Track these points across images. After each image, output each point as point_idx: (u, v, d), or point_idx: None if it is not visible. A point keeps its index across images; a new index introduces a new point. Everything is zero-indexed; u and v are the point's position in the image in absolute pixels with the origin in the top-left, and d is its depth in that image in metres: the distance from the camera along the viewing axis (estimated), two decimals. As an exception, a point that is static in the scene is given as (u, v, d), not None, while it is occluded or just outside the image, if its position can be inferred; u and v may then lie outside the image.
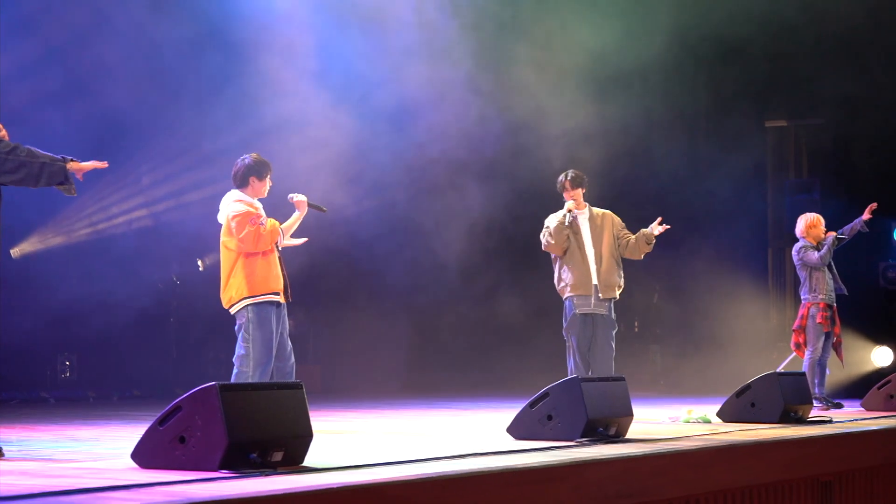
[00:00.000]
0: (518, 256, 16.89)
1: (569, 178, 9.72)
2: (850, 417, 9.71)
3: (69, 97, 12.49)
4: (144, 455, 5.26)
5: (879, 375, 13.03)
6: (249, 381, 7.84)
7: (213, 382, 5.11)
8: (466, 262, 15.67)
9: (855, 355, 14.46)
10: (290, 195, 8.25)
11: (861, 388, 12.36)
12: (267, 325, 7.98)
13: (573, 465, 5.61)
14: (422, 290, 16.21)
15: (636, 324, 17.64)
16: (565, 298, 9.64)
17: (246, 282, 7.94)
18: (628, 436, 7.21)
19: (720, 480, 6.52)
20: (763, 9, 15.47)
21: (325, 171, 14.50)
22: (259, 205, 8.14)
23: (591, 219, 9.71)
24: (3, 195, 6.02)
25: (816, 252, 11.25)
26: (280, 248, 8.20)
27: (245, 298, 7.96)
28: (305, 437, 5.46)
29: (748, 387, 8.96)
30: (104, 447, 6.77)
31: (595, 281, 9.57)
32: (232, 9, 13.04)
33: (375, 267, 15.41)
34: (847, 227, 11.50)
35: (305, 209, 8.21)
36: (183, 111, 13.54)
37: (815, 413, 9.76)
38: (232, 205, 8.02)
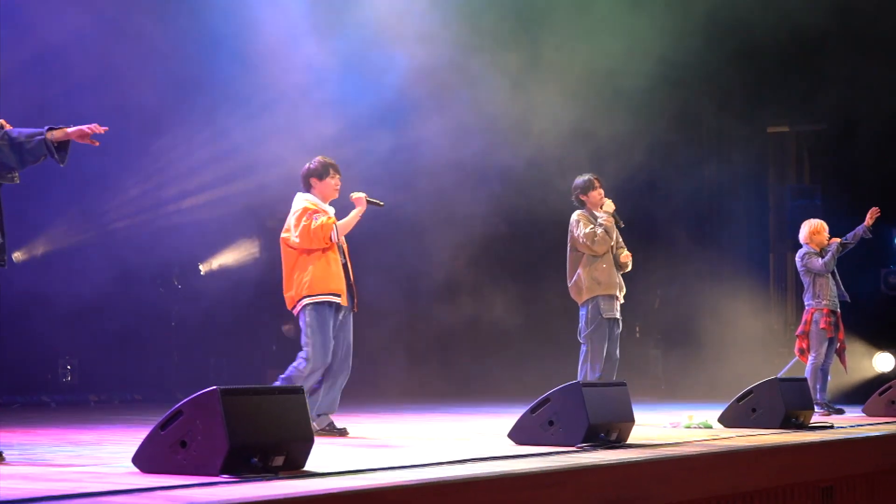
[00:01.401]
0: (513, 262, 16.87)
1: (597, 177, 9.80)
2: (852, 423, 9.71)
3: (69, 97, 12.49)
4: (145, 459, 5.26)
5: (881, 381, 13.01)
6: (304, 381, 7.88)
7: (215, 387, 5.11)
8: (464, 266, 15.67)
9: (856, 361, 14.45)
10: (351, 193, 8.24)
11: (862, 393, 12.35)
12: (326, 327, 7.97)
13: (574, 471, 5.60)
14: (421, 295, 16.20)
15: (637, 329, 17.62)
16: (589, 300, 9.61)
17: (305, 281, 7.95)
18: (629, 441, 7.20)
19: (721, 486, 6.52)
20: (764, 14, 15.46)
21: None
22: (326, 207, 8.17)
23: (608, 224, 9.78)
24: (3, 196, 6.00)
25: (820, 259, 11.26)
26: (346, 255, 8.20)
27: (304, 298, 7.97)
28: (307, 441, 5.46)
29: (749, 392, 8.96)
30: (105, 451, 6.77)
31: (619, 280, 9.68)
32: (223, 11, 13.04)
33: (373, 273, 15.41)
34: (850, 234, 11.50)
35: (364, 206, 8.20)
36: (185, 114, 13.54)
37: (816, 419, 9.76)
38: (296, 203, 8.12)
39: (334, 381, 8.16)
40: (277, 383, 7.91)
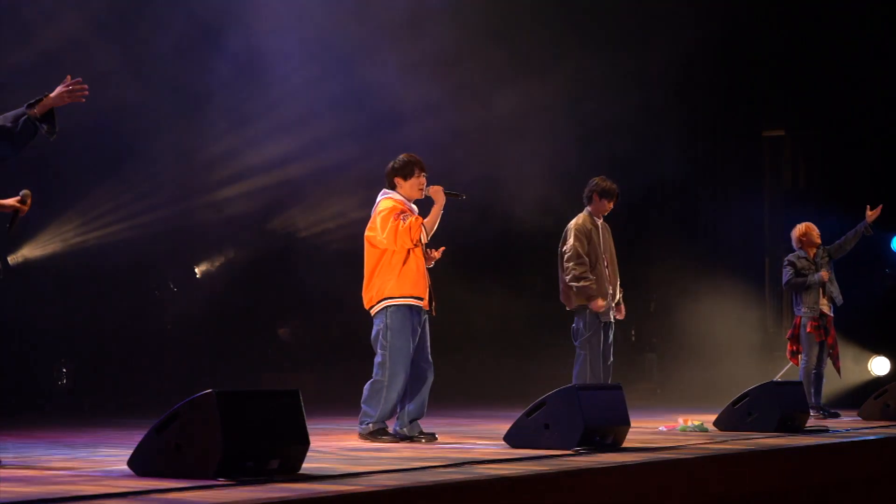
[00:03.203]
0: (501, 266, 16.84)
1: (618, 192, 9.78)
2: (847, 427, 9.71)
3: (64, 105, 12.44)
4: (141, 462, 5.26)
5: (877, 385, 13.02)
6: (384, 391, 7.74)
7: (210, 390, 5.11)
8: (463, 268, 15.66)
9: (852, 365, 14.45)
10: (428, 187, 7.95)
11: (858, 397, 12.36)
12: (405, 331, 7.76)
13: (570, 474, 5.61)
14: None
15: (633, 332, 17.63)
16: (585, 307, 9.60)
17: (388, 282, 7.76)
18: (625, 445, 7.20)
19: (717, 490, 6.53)
20: (761, 19, 15.48)
21: (314, 181, 14.53)
22: (411, 206, 7.95)
23: (603, 228, 9.76)
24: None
25: (791, 274, 11.36)
26: (428, 257, 7.95)
27: (385, 300, 7.77)
28: (302, 445, 5.45)
29: (745, 396, 8.97)
30: (101, 454, 6.76)
31: (610, 290, 9.63)
32: (220, 15, 13.04)
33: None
34: (851, 232, 11.51)
35: (443, 199, 7.87)
36: (179, 116, 13.53)
37: (811, 422, 9.76)
38: (381, 201, 7.89)
39: (421, 385, 7.91)
40: (368, 413, 7.78)
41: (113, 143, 12.98)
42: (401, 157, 7.99)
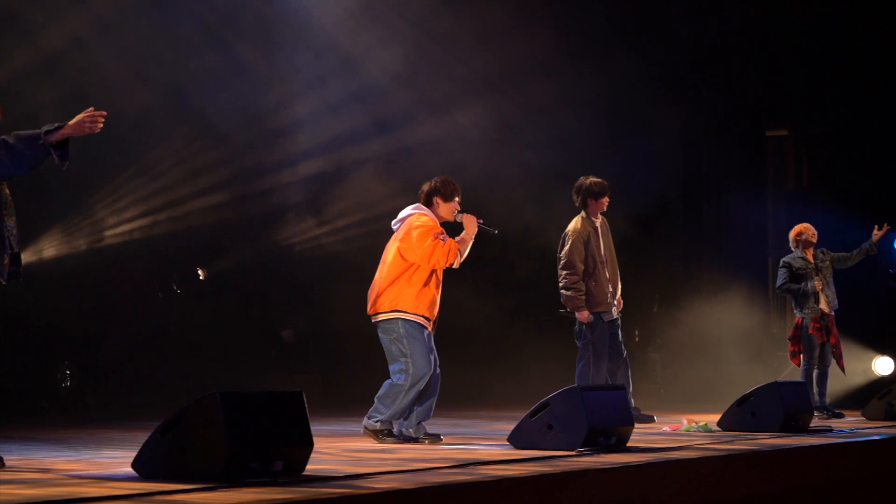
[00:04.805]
0: (509, 272, 16.82)
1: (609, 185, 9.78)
2: (851, 427, 9.71)
3: (66, 106, 12.44)
4: (145, 464, 5.26)
5: (881, 385, 13.01)
6: (403, 393, 7.75)
7: (215, 392, 5.11)
8: (465, 270, 15.65)
9: (856, 365, 14.44)
10: (458, 213, 7.97)
11: (862, 397, 12.35)
12: (421, 338, 7.79)
13: (574, 475, 5.60)
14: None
15: (637, 333, 17.60)
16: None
17: (406, 296, 7.79)
18: (629, 445, 7.20)
19: (721, 490, 6.52)
20: (765, 19, 15.47)
21: (319, 183, 14.50)
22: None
23: (602, 227, 9.75)
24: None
25: (785, 277, 11.41)
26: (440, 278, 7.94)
27: (397, 311, 7.80)
28: (306, 446, 5.45)
29: (749, 396, 8.97)
30: (105, 456, 6.76)
31: (611, 289, 9.64)
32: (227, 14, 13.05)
33: (370, 274, 15.43)
34: (856, 251, 11.57)
35: (475, 228, 7.91)
36: (183, 118, 13.53)
37: (815, 422, 9.76)
38: (416, 216, 7.91)
39: (432, 388, 7.92)
40: (379, 410, 7.80)
41: (115, 147, 12.98)
42: (440, 178, 8.03)
